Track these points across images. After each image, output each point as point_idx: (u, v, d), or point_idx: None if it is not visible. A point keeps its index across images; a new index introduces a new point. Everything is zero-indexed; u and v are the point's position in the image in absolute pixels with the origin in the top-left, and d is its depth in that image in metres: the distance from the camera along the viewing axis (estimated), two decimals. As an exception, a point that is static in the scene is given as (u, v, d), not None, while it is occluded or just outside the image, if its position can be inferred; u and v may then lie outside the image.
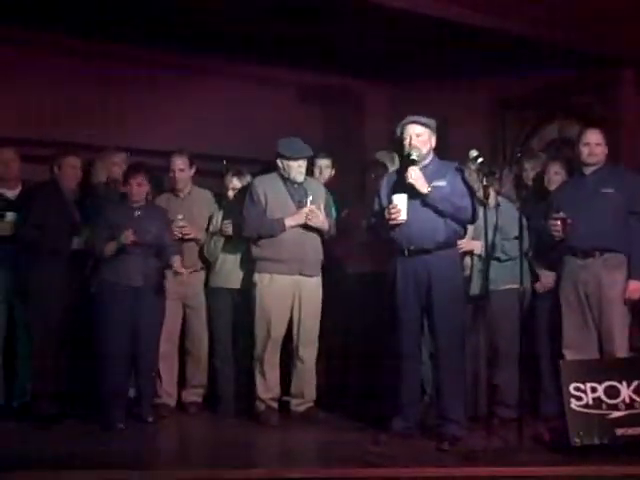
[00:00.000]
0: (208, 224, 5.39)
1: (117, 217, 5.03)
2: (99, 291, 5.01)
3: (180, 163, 5.38)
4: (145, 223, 5.00)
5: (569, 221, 4.73)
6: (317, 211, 4.98)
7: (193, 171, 5.46)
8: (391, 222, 4.49)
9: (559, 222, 4.75)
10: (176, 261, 5.04)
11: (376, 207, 4.69)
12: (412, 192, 4.50)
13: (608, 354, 4.71)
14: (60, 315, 5.08)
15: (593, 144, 4.84)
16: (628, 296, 4.76)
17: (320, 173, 5.47)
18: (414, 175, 4.48)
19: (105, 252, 4.96)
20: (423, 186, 4.49)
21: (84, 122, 6.35)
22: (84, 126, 6.33)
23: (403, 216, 4.46)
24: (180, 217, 5.26)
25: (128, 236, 4.87)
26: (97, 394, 4.94)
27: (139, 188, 5.01)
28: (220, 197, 5.47)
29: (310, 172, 5.31)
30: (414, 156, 4.50)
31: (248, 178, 5.37)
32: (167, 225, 5.14)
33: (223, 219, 5.29)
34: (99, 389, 4.93)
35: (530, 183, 5.46)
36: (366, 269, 5.21)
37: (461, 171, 4.64)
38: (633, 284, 4.74)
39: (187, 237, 5.30)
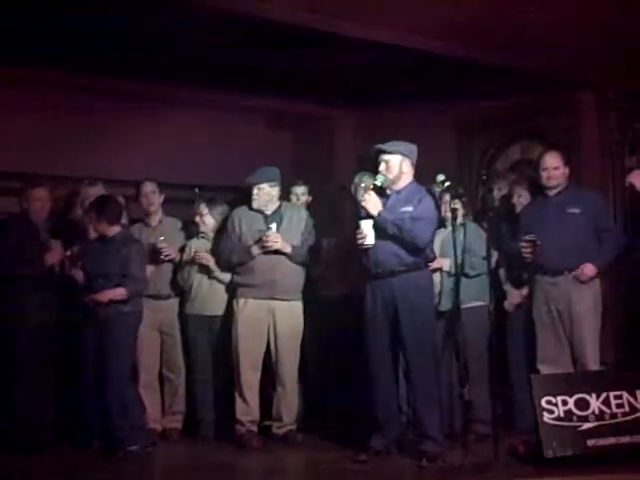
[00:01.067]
0: (181, 252, 5.46)
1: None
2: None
3: (150, 187, 5.47)
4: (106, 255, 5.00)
5: (538, 242, 4.88)
6: (275, 235, 5.08)
7: (162, 198, 5.54)
8: (359, 247, 4.61)
9: (529, 244, 4.90)
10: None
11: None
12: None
13: (580, 367, 4.86)
14: (38, 337, 5.10)
15: (551, 168, 5.01)
16: (579, 272, 4.88)
17: (297, 200, 5.59)
18: (367, 198, 4.64)
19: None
20: (374, 209, 4.63)
21: (52, 153, 6.36)
22: (52, 157, 6.35)
23: (370, 240, 4.59)
24: (162, 238, 5.35)
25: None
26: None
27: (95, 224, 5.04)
28: (190, 225, 5.55)
29: (288, 199, 5.44)
30: (378, 182, 4.67)
31: (219, 207, 5.47)
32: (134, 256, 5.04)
33: (199, 248, 5.37)
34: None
35: (497, 204, 5.62)
36: (339, 292, 5.33)
37: (430, 193, 4.77)
38: (589, 265, 4.87)
39: (167, 258, 5.37)
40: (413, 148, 4.76)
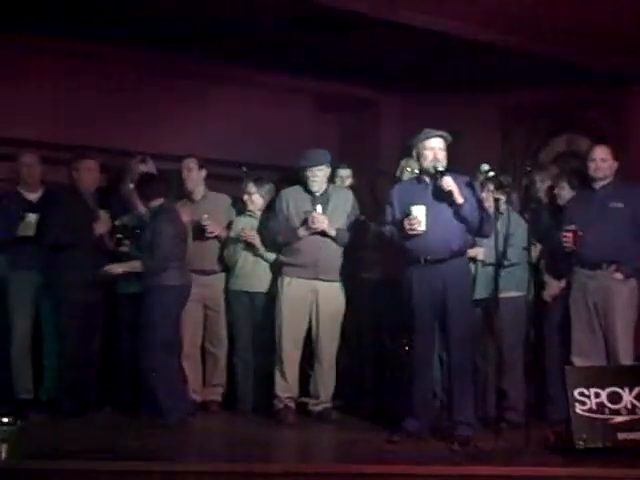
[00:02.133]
0: (228, 228, 5.58)
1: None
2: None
3: (188, 163, 5.56)
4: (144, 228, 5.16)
5: (579, 233, 4.92)
6: (321, 217, 5.16)
7: (204, 173, 5.60)
8: (410, 232, 4.65)
9: (570, 234, 4.94)
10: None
11: (389, 217, 4.85)
12: (429, 202, 4.68)
13: (614, 361, 4.91)
14: (86, 307, 5.28)
15: (599, 160, 5.04)
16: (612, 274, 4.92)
17: (342, 182, 5.65)
18: (452, 184, 4.62)
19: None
20: (459, 196, 4.64)
21: (104, 127, 6.52)
22: (103, 131, 6.50)
23: (422, 227, 4.62)
24: (205, 216, 5.45)
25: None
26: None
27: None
28: (238, 202, 5.65)
29: (332, 182, 5.50)
30: (441, 167, 4.67)
31: (266, 185, 5.57)
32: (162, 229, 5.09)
33: (245, 226, 5.47)
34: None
35: (541, 195, 5.65)
36: (379, 275, 5.41)
37: (472, 185, 4.80)
38: (617, 274, 4.92)
39: (211, 235, 5.48)
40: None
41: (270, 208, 5.43)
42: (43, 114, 6.45)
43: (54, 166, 5.75)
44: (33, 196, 5.49)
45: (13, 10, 5.64)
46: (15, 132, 6.25)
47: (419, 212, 4.63)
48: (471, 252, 5.00)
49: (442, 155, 4.71)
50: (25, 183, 5.49)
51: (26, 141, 6.13)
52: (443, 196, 4.65)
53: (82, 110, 6.52)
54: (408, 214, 4.66)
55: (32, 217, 5.31)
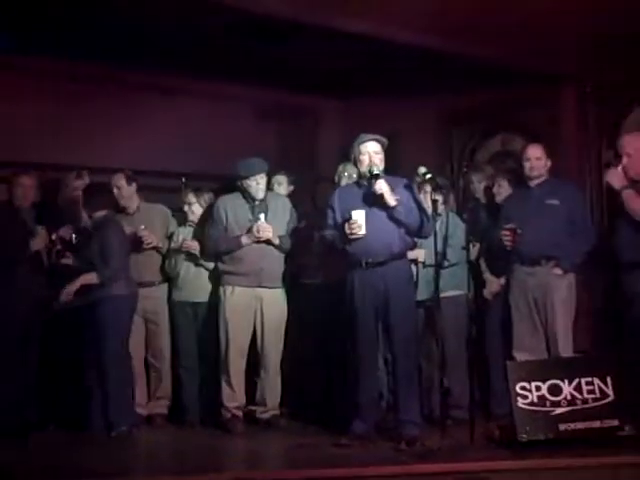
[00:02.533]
0: (169, 240, 5.56)
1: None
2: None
3: (116, 180, 5.54)
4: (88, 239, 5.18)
5: (519, 231, 5.01)
6: (266, 226, 5.20)
7: (134, 187, 5.59)
8: (351, 237, 4.70)
9: (509, 232, 5.03)
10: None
11: (330, 221, 4.89)
12: (369, 205, 4.74)
13: (554, 355, 5.01)
14: (23, 323, 5.20)
15: (533, 159, 5.16)
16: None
17: (279, 190, 5.66)
18: (383, 187, 4.69)
19: None
20: (391, 199, 4.70)
21: (38, 141, 6.38)
22: (38, 145, 6.38)
23: (363, 231, 4.68)
24: (142, 227, 5.44)
25: None
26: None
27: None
28: (178, 213, 5.64)
29: (270, 188, 5.51)
30: (377, 171, 4.72)
31: (206, 195, 5.56)
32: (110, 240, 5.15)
33: (187, 236, 5.47)
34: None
35: (479, 195, 5.75)
36: (320, 280, 5.44)
37: (411, 187, 4.88)
38: (556, 269, 5.04)
39: (148, 246, 5.46)
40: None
41: (208, 217, 5.42)
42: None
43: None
44: None
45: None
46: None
47: (359, 216, 4.68)
48: (411, 254, 5.06)
49: (378, 159, 4.77)
50: None
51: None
52: (377, 199, 4.70)
53: (16, 125, 6.43)
54: (348, 219, 4.71)
55: None
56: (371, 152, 4.77)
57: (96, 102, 6.74)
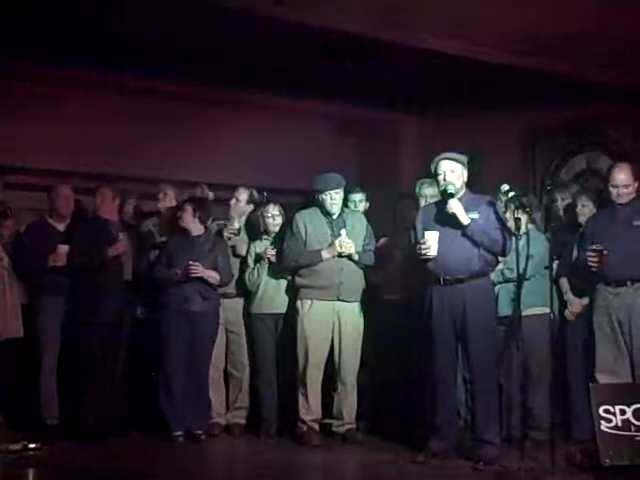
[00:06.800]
0: (247, 252, 5.64)
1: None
2: (162, 316, 5.39)
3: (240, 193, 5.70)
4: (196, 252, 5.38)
5: (605, 252, 4.86)
6: (348, 241, 5.23)
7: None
8: (421, 257, 4.71)
9: (596, 254, 4.91)
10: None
11: (412, 239, 4.89)
12: (449, 224, 4.72)
13: (639, 378, 4.88)
14: (111, 329, 5.38)
15: (621, 186, 4.94)
16: None
17: (355, 206, 5.70)
18: (455, 207, 4.68)
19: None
20: (464, 217, 4.68)
21: (123, 155, 6.66)
22: (123, 159, 6.65)
23: (433, 252, 4.67)
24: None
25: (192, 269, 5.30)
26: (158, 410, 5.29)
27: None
28: (255, 225, 5.70)
29: (346, 206, 5.55)
30: (451, 190, 4.71)
31: (279, 208, 5.62)
32: (222, 251, 5.50)
33: (262, 250, 5.54)
34: (163, 405, 5.30)
35: (561, 213, 5.65)
36: (400, 296, 5.44)
37: (493, 204, 4.84)
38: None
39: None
40: (466, 158, 4.86)
41: (286, 230, 5.46)
42: (71, 145, 6.57)
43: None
44: (61, 226, 5.62)
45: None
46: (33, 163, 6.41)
47: (431, 237, 4.69)
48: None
49: (452, 177, 4.75)
50: (58, 214, 5.61)
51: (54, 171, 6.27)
52: (452, 218, 4.69)
53: (106, 140, 6.65)
54: (421, 238, 4.72)
55: (63, 248, 5.42)
56: (447, 170, 4.76)
57: (178, 118, 6.92)
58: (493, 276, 5.05)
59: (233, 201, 5.71)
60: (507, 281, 5.09)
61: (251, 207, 5.74)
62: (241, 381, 5.64)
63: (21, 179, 6.41)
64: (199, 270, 5.30)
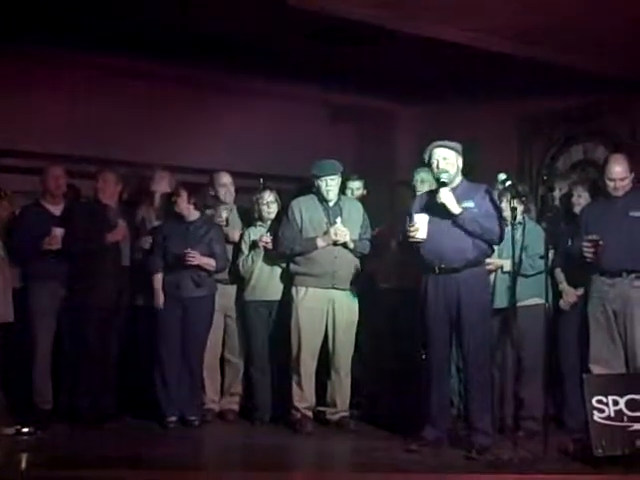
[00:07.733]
0: (240, 239, 5.62)
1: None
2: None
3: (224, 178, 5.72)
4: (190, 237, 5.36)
5: (601, 243, 4.86)
6: (343, 229, 5.22)
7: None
8: (410, 240, 4.68)
9: (591, 244, 4.91)
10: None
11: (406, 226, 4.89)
12: (443, 212, 4.70)
13: (633, 369, 4.88)
14: (103, 319, 5.36)
15: (618, 179, 4.94)
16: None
17: (352, 194, 5.68)
18: (444, 196, 4.67)
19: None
20: (454, 206, 4.67)
21: (124, 139, 6.62)
22: (124, 143, 6.61)
23: (422, 235, 4.63)
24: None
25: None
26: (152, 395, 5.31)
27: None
28: (250, 212, 5.68)
29: (343, 193, 5.53)
30: (443, 178, 4.69)
31: (274, 195, 5.60)
32: (217, 237, 5.47)
33: (256, 236, 5.52)
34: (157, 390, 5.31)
35: (557, 203, 5.64)
36: (395, 285, 5.44)
37: (489, 193, 4.82)
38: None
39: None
40: (460, 146, 4.83)
41: (282, 217, 5.44)
42: (69, 128, 6.55)
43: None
44: (56, 209, 5.57)
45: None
46: (30, 146, 6.36)
47: (420, 220, 4.65)
48: (496, 261, 5.00)
49: (446, 164, 4.72)
50: (51, 195, 5.57)
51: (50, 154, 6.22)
52: (443, 207, 4.67)
53: (101, 123, 6.61)
54: (410, 221, 4.70)
55: (59, 231, 5.38)
56: (439, 158, 4.73)
57: (178, 103, 6.89)
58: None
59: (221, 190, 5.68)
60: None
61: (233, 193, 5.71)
62: (237, 367, 5.64)
63: (15, 162, 6.38)
64: (195, 259, 5.28)
